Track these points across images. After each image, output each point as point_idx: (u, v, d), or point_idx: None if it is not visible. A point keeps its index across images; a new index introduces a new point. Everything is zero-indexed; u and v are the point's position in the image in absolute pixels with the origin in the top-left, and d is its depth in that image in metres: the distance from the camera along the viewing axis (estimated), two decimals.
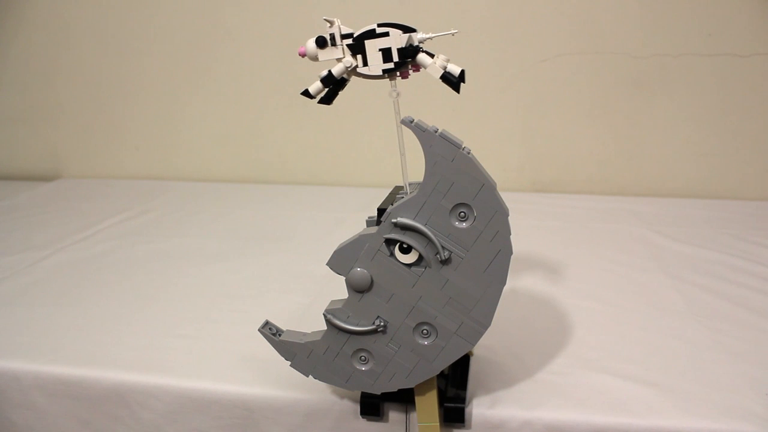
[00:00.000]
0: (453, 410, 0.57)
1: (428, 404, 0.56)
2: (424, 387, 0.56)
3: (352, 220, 1.10)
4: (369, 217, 0.55)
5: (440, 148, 0.49)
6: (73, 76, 1.39)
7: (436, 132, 0.49)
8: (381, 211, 0.54)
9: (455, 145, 0.49)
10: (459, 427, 0.58)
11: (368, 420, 0.60)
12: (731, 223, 1.06)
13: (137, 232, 1.08)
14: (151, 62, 1.35)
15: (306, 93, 0.53)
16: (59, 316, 0.78)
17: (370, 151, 1.32)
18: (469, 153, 0.49)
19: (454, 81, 0.51)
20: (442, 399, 0.58)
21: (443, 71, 0.50)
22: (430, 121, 0.50)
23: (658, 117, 1.20)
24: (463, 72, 0.50)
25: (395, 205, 0.51)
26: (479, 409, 0.59)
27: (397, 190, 0.60)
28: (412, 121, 0.49)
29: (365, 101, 1.23)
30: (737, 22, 1.12)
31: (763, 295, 0.80)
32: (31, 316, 0.79)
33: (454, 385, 0.60)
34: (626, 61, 1.17)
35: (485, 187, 0.49)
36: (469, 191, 0.49)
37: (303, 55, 0.52)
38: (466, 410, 0.58)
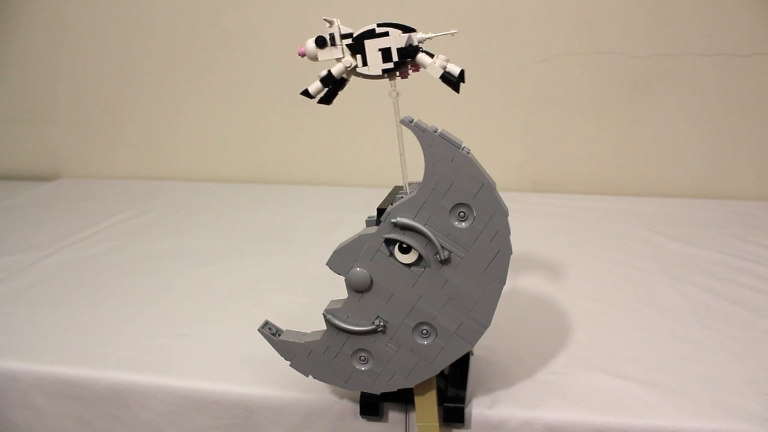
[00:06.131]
0: (453, 410, 0.57)
1: (428, 404, 0.56)
2: (423, 387, 0.56)
3: (352, 220, 1.09)
4: (369, 217, 0.55)
5: (440, 148, 0.49)
6: (73, 76, 1.39)
7: (435, 132, 0.49)
8: (381, 211, 0.54)
9: (455, 145, 0.49)
10: (459, 427, 0.58)
11: (368, 420, 0.60)
12: (731, 223, 1.06)
13: (137, 232, 1.08)
14: (151, 62, 1.35)
15: (306, 93, 0.53)
16: (59, 316, 0.78)
17: (370, 151, 1.32)
18: (468, 153, 0.49)
19: (453, 81, 0.51)
20: (442, 399, 0.58)
21: (443, 71, 0.50)
22: (429, 121, 0.50)
23: (658, 117, 1.20)
24: (462, 72, 0.50)
25: (395, 205, 0.51)
26: (479, 409, 0.58)
27: (397, 190, 0.60)
28: (411, 121, 0.48)
29: (364, 101, 1.23)
30: (737, 22, 1.12)
31: (763, 295, 0.80)
32: (31, 316, 0.79)
33: (453, 385, 0.60)
34: (626, 61, 1.17)
35: (485, 187, 0.49)
36: (468, 191, 0.49)
37: (303, 55, 0.52)
38: (466, 410, 0.58)
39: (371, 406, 0.59)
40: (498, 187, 0.50)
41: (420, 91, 0.94)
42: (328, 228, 1.08)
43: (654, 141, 1.21)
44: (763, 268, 0.88)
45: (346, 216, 1.13)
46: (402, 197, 0.52)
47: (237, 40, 1.30)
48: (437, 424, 0.57)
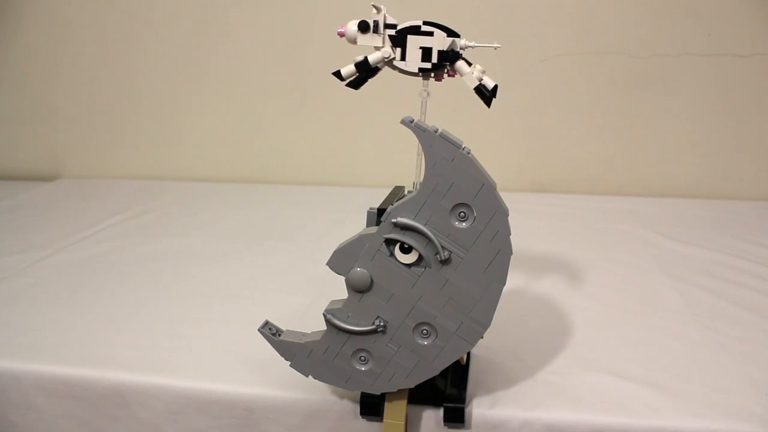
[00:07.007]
0: (453, 410, 0.57)
1: (397, 403, 0.57)
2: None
3: (352, 220, 1.09)
4: (370, 209, 0.55)
5: (440, 148, 0.49)
6: (72, 77, 1.39)
7: (436, 132, 0.49)
8: (381, 211, 0.54)
9: (455, 145, 0.49)
10: (459, 427, 0.58)
11: (368, 420, 0.60)
12: (731, 223, 1.06)
13: (137, 232, 1.08)
14: (151, 62, 1.35)
15: (337, 74, 0.53)
16: (59, 316, 0.78)
17: (370, 151, 1.32)
18: (469, 153, 0.49)
19: (487, 95, 0.51)
20: (442, 399, 0.58)
21: (478, 83, 0.50)
22: (430, 121, 0.50)
23: (659, 117, 1.20)
24: (496, 87, 0.50)
25: (395, 204, 0.51)
26: (479, 409, 0.58)
27: (397, 190, 0.60)
28: (411, 121, 0.48)
29: (365, 101, 1.23)
30: (737, 22, 1.12)
31: (763, 295, 0.80)
32: (31, 316, 0.78)
33: (454, 385, 0.60)
34: (626, 61, 1.17)
35: (485, 187, 0.49)
36: (469, 191, 0.49)
37: (342, 35, 0.52)
38: (466, 410, 0.58)
39: (371, 406, 0.58)
40: (498, 188, 0.50)
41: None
42: (328, 228, 1.08)
43: (654, 141, 1.21)
44: (763, 268, 0.88)
45: (346, 216, 1.13)
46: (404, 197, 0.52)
47: (237, 40, 1.30)
48: (403, 422, 0.57)
